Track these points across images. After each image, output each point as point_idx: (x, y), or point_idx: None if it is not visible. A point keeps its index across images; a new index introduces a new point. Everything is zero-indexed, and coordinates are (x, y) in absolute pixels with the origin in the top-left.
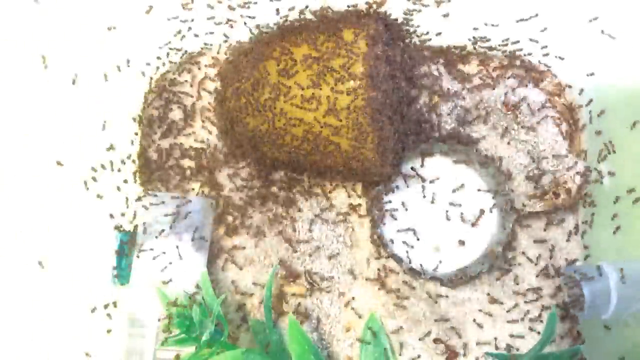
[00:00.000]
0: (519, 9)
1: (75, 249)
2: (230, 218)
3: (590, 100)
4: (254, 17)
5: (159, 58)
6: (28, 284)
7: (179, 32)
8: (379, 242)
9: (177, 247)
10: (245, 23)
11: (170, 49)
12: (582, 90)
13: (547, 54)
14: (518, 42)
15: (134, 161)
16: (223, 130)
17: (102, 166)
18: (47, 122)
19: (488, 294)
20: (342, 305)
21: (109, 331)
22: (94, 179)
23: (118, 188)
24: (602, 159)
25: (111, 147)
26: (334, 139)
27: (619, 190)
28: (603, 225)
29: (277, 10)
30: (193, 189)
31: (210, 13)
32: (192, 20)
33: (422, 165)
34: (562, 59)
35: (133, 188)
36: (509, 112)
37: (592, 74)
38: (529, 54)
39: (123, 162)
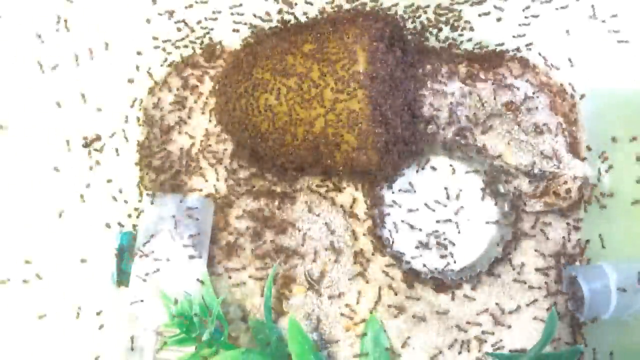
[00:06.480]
0: (521, 11)
1: (75, 250)
2: (230, 218)
3: (591, 102)
4: (255, 17)
5: (159, 61)
6: (28, 285)
7: (180, 30)
8: (379, 242)
9: (177, 247)
10: (246, 23)
11: (173, 47)
12: (582, 92)
13: (548, 56)
14: (519, 43)
15: (134, 161)
16: (223, 130)
17: (103, 165)
18: (47, 122)
19: (488, 294)
20: (342, 305)
21: (109, 331)
22: (94, 179)
23: (119, 189)
24: (602, 159)
25: (111, 148)
26: (334, 138)
27: (618, 190)
28: (603, 225)
29: (279, 10)
30: (193, 189)
31: (212, 13)
32: (193, 19)
33: (422, 166)
34: (563, 60)
35: (133, 188)
36: (510, 113)
37: (592, 76)
38: (530, 55)
39: (123, 162)
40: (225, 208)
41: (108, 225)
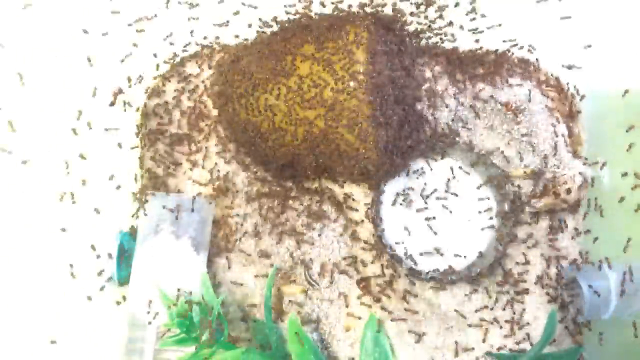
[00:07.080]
0: (521, 11)
1: (75, 250)
2: (230, 218)
3: (591, 102)
4: (255, 17)
5: (159, 61)
6: (28, 284)
7: (179, 30)
8: (379, 242)
9: (177, 247)
10: (247, 23)
11: (173, 47)
12: (583, 92)
13: (548, 56)
14: (519, 43)
15: (134, 161)
16: (223, 130)
17: (103, 165)
18: (47, 123)
19: (488, 294)
20: (342, 305)
21: (109, 331)
22: (95, 178)
23: (118, 188)
24: (602, 159)
25: (111, 148)
26: (334, 138)
27: (618, 190)
28: (603, 225)
29: (279, 11)
30: (193, 189)
31: (212, 12)
32: (194, 19)
33: (422, 166)
34: (563, 60)
35: (133, 188)
36: (509, 113)
37: (593, 77)
38: (531, 56)
39: (124, 162)
40: (225, 208)
41: (109, 220)
